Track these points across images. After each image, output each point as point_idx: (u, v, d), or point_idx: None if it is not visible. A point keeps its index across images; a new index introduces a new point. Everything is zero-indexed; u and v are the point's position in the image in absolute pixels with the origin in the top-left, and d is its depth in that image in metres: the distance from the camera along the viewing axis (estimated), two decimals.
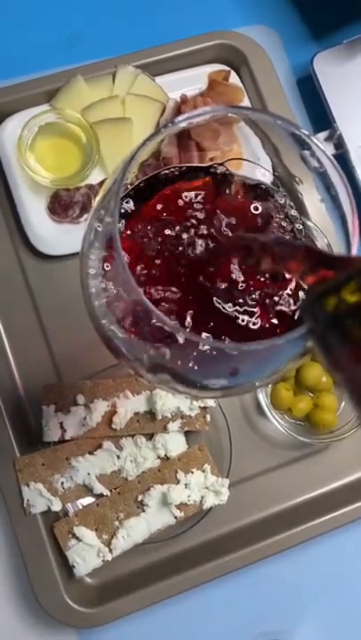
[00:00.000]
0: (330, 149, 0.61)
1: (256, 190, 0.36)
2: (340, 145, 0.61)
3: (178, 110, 0.59)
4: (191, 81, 0.60)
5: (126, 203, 0.32)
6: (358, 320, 0.21)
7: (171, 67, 0.61)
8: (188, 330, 0.25)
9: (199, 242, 0.31)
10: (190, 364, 0.28)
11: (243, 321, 0.30)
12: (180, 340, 0.25)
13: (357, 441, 0.55)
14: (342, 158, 0.60)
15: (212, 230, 0.32)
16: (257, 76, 0.61)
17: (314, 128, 0.64)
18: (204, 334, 0.30)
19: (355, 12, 0.66)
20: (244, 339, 0.29)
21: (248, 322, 0.30)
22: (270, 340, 0.24)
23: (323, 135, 0.61)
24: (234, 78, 0.61)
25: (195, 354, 0.27)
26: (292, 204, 0.36)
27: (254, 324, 0.30)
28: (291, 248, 0.27)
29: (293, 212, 0.36)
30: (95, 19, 0.65)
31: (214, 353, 0.26)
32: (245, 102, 0.60)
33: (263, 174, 0.37)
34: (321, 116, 0.62)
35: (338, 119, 0.60)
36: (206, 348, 0.26)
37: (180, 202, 0.32)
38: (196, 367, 0.28)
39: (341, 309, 0.21)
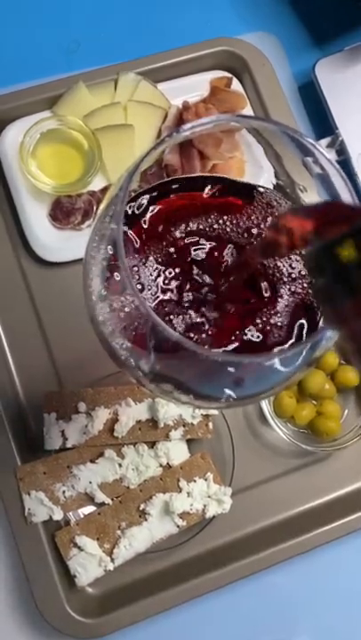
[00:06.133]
0: (332, 156, 0.60)
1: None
2: (342, 151, 0.60)
3: (180, 117, 0.58)
4: (193, 88, 0.60)
5: (131, 211, 0.32)
6: None
7: (173, 73, 0.60)
8: (192, 341, 0.25)
9: (207, 251, 0.31)
10: (194, 375, 0.28)
11: (249, 332, 0.29)
12: (184, 351, 0.25)
13: (360, 449, 0.54)
14: (344, 165, 0.60)
15: (219, 238, 0.32)
16: (259, 83, 0.61)
17: (316, 135, 0.64)
18: (208, 343, 0.29)
19: (356, 19, 0.66)
20: (249, 350, 0.29)
21: (255, 333, 0.30)
22: (276, 353, 0.24)
23: (325, 142, 0.61)
24: (236, 85, 0.61)
25: (199, 365, 0.27)
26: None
27: (261, 336, 0.30)
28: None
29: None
30: (97, 25, 0.65)
31: (219, 364, 0.26)
32: (247, 109, 0.60)
33: (266, 181, 0.37)
34: (323, 123, 0.62)
35: (340, 126, 0.60)
36: (211, 359, 0.25)
37: (185, 213, 0.32)
38: (199, 378, 0.28)
39: (350, 260, 0.21)
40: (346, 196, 0.30)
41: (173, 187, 0.33)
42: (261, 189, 0.35)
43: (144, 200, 0.33)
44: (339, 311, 0.21)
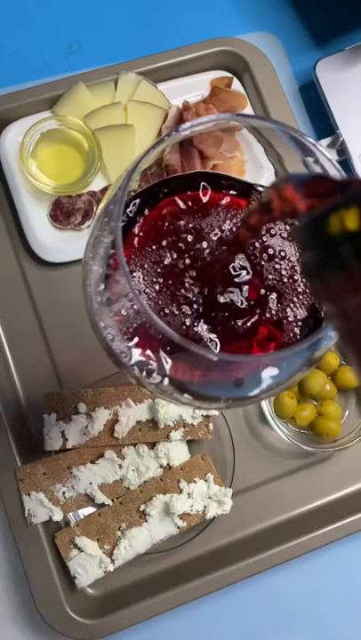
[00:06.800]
0: (333, 156, 0.60)
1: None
2: (342, 151, 0.60)
3: (180, 117, 0.58)
4: (193, 88, 0.60)
5: (129, 211, 0.32)
6: (358, 245, 0.20)
7: (173, 73, 0.60)
8: (191, 340, 0.25)
9: (205, 249, 0.31)
10: (194, 376, 0.27)
11: (249, 331, 0.29)
12: (183, 351, 0.25)
13: None
14: (345, 165, 0.60)
15: (217, 236, 0.32)
16: (259, 83, 0.60)
17: (317, 135, 0.64)
18: (208, 344, 0.29)
19: (357, 19, 0.66)
20: (250, 351, 0.29)
21: (256, 333, 0.29)
22: (276, 353, 0.24)
23: (325, 142, 0.61)
24: (236, 85, 0.61)
25: (198, 365, 0.27)
26: None
27: (261, 336, 0.29)
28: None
29: None
30: (97, 26, 0.65)
31: (218, 365, 0.26)
32: (248, 109, 0.60)
33: (266, 181, 0.37)
34: (324, 123, 0.62)
35: (341, 126, 0.60)
36: (210, 359, 0.25)
37: (183, 211, 0.32)
38: (199, 378, 0.27)
39: (338, 233, 0.20)
40: None
41: (173, 186, 0.33)
42: (261, 189, 0.35)
43: (143, 200, 0.33)
44: (327, 286, 0.21)
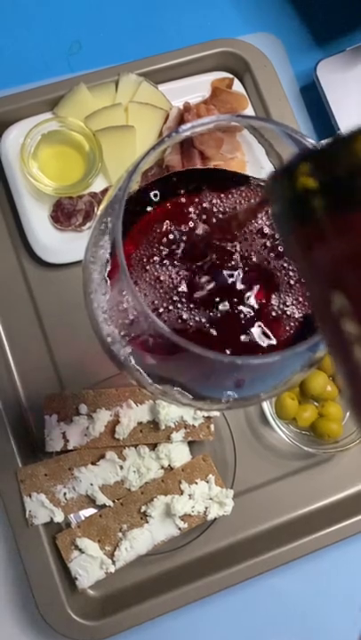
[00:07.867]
0: None
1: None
2: None
3: (181, 118, 0.58)
4: (194, 89, 0.60)
5: (129, 211, 0.32)
6: (322, 199, 0.20)
7: (174, 74, 0.60)
8: (192, 341, 0.25)
9: (206, 248, 0.31)
10: (194, 377, 0.27)
11: (250, 332, 0.29)
12: (183, 352, 0.25)
13: None
14: None
15: (219, 236, 0.31)
16: (260, 84, 0.60)
17: (317, 135, 0.64)
18: (209, 345, 0.29)
19: (358, 19, 0.66)
20: (250, 351, 0.29)
21: (255, 334, 0.29)
22: (276, 353, 0.24)
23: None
24: (237, 86, 0.61)
25: (199, 366, 0.26)
26: None
27: (261, 337, 0.29)
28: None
29: None
30: (98, 27, 0.65)
31: (219, 365, 0.26)
32: (249, 110, 0.60)
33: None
34: (324, 124, 0.62)
35: (341, 126, 0.60)
36: (211, 360, 0.25)
37: (185, 210, 0.32)
38: (199, 379, 0.27)
39: (303, 185, 0.20)
40: None
41: (171, 185, 0.33)
42: (262, 183, 0.35)
43: (143, 200, 0.33)
44: (296, 238, 0.21)
